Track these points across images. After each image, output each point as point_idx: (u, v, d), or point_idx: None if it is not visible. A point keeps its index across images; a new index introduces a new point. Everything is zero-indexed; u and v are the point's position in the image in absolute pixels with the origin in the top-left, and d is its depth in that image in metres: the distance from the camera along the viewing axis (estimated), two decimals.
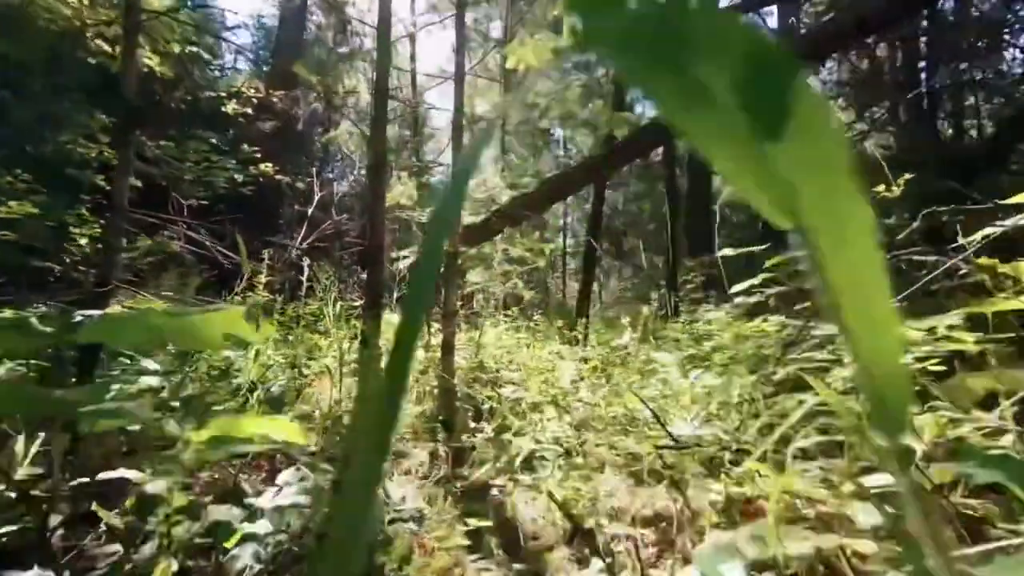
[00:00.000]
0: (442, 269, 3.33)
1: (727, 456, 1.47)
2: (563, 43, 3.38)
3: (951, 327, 1.25)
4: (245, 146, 5.62)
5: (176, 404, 1.50)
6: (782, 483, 1.07)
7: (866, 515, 0.89)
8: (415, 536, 1.29)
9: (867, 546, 0.87)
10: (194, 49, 4.76)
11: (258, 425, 0.77)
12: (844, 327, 0.22)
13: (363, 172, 11.59)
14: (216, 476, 1.56)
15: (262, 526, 0.92)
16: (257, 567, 0.89)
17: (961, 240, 1.50)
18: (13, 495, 0.96)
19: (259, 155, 5.80)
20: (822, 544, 0.86)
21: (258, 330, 0.61)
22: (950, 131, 7.93)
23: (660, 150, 8.45)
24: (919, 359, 1.20)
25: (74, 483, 1.12)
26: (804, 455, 1.15)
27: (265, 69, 11.84)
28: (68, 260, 3.41)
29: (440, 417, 2.50)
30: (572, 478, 1.70)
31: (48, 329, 0.68)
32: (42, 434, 1.04)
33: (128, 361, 1.49)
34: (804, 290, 1.93)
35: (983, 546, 0.82)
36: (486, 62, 7.71)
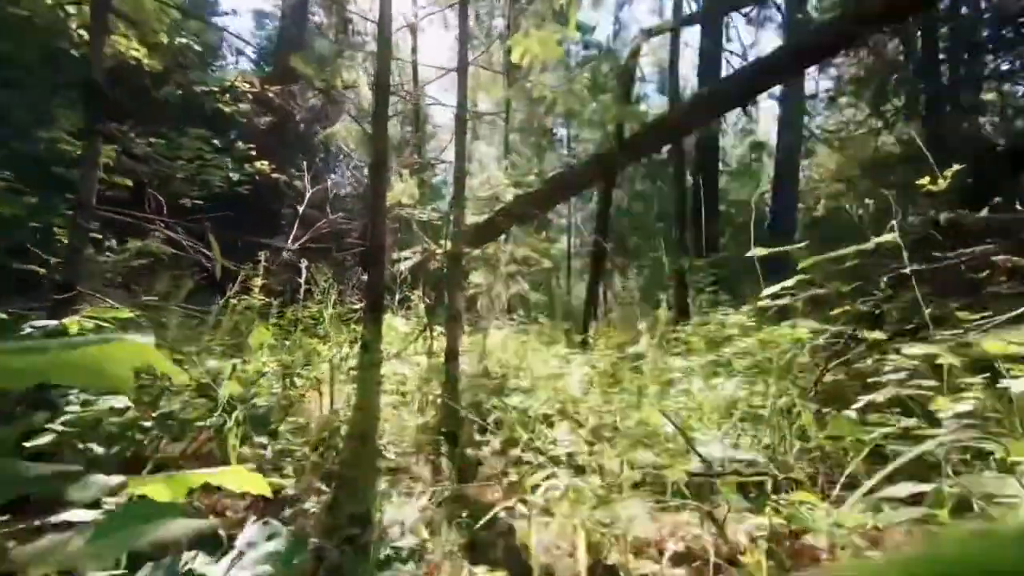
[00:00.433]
0: (446, 271, 3.16)
1: (767, 482, 1.30)
2: (569, 34, 3.24)
3: None
4: (240, 144, 5.44)
5: (148, 424, 1.34)
6: (851, 520, 0.91)
7: None
8: None
9: None
10: (184, 40, 4.58)
11: (211, 476, 0.61)
12: None
13: (356, 168, 11.46)
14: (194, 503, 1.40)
15: None
16: None
17: None
18: None
19: (256, 153, 5.62)
20: None
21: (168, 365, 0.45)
22: (980, 126, 7.71)
23: (664, 149, 8.28)
24: None
25: None
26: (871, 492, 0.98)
27: (267, 69, 11.74)
28: (53, 262, 3.24)
29: (443, 429, 2.34)
30: (588, 500, 1.53)
31: None
32: None
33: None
34: (842, 293, 1.77)
35: None
36: (490, 56, 7.55)
